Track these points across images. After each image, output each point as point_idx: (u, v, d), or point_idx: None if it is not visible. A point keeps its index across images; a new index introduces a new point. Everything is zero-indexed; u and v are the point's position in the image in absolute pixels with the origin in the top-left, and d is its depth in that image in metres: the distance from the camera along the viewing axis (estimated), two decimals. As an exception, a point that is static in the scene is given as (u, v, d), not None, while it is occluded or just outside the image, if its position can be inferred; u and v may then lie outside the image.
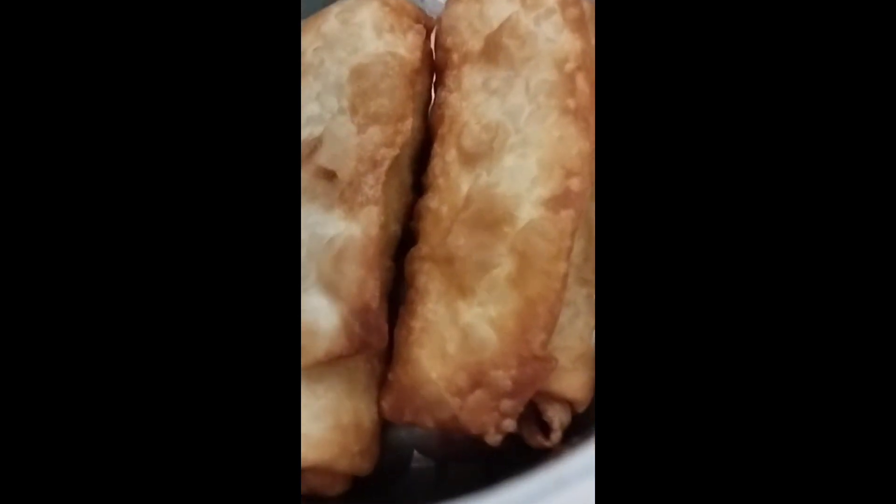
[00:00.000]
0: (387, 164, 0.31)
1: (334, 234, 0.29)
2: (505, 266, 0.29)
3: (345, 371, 0.29)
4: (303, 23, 0.38)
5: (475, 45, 0.34)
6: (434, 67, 0.36)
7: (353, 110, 0.32)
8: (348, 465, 0.29)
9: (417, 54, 0.34)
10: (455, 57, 0.35)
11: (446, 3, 0.38)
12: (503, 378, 0.28)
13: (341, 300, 0.28)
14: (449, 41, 0.36)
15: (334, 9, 0.35)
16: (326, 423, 0.28)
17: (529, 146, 0.30)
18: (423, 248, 0.32)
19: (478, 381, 0.28)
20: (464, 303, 0.29)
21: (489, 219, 0.29)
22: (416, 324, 0.30)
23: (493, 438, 0.28)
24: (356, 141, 0.31)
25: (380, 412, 0.30)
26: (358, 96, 0.32)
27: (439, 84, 0.36)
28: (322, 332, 0.28)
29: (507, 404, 0.28)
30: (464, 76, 0.34)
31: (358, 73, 0.32)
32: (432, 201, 0.32)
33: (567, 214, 0.28)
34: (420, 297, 0.31)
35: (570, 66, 0.31)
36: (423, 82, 0.35)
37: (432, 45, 0.37)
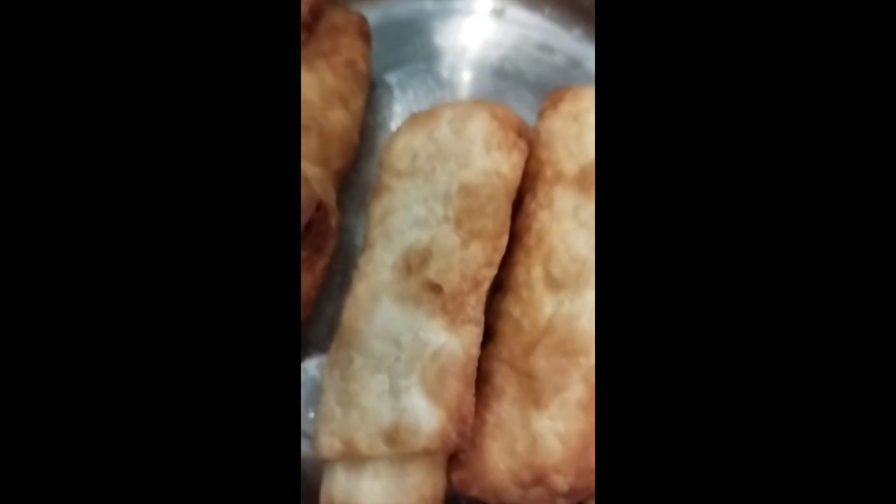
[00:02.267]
0: (486, 284, 0.35)
1: (437, 344, 0.34)
2: (576, 391, 0.34)
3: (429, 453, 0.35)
4: (414, 116, 0.40)
5: (569, 168, 0.38)
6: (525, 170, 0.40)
7: (458, 223, 0.36)
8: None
9: (518, 172, 0.38)
10: (549, 173, 0.39)
11: (543, 113, 0.41)
12: (562, 482, 0.34)
13: (441, 408, 0.33)
14: (544, 155, 0.39)
15: (447, 113, 0.39)
16: (413, 497, 0.34)
17: (610, 288, 0.35)
18: (502, 352, 0.37)
19: (540, 479, 0.34)
20: (536, 413, 0.35)
21: (569, 348, 0.35)
22: (491, 418, 0.36)
23: (545, 523, 0.35)
24: (460, 255, 0.35)
25: (449, 482, 0.37)
26: (464, 212, 0.36)
27: (528, 191, 0.40)
28: (422, 432, 0.33)
29: (561, 502, 0.34)
30: (555, 197, 0.38)
31: (466, 191, 0.36)
32: (514, 308, 0.37)
33: (636, 359, 0.34)
34: (496, 395, 0.36)
35: (653, 214, 0.36)
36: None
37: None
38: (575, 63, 0.48)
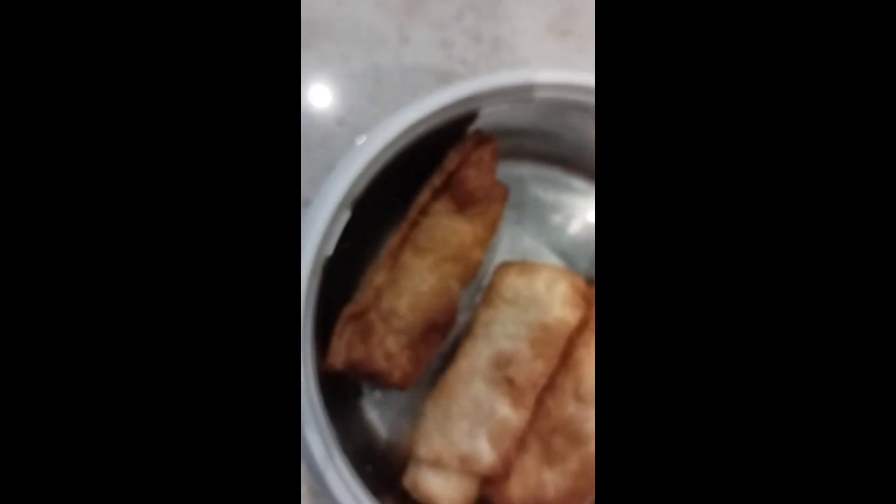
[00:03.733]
0: (540, 387, 0.58)
1: (503, 415, 0.57)
2: (573, 465, 0.58)
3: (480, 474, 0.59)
4: (523, 264, 0.63)
5: None
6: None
7: (533, 345, 0.59)
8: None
9: (577, 322, 0.60)
10: (593, 324, 0.62)
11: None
12: (550, 512, 0.58)
13: (496, 452, 0.57)
14: (593, 312, 0.62)
15: (544, 272, 0.61)
16: (460, 496, 0.58)
17: (611, 411, 0.58)
18: (535, 426, 0.60)
19: (537, 505, 0.58)
20: (546, 469, 0.58)
21: (577, 438, 0.58)
22: (518, 463, 0.59)
23: (532, 532, 0.59)
24: (529, 366, 0.58)
25: (482, 491, 0.60)
26: (538, 340, 0.59)
27: (578, 330, 0.62)
28: (482, 463, 0.57)
29: (545, 522, 0.58)
30: (592, 342, 0.61)
31: (544, 327, 0.59)
32: (550, 401, 0.60)
33: (613, 456, 0.57)
34: (525, 450, 0.60)
35: (649, 374, 0.59)
36: (571, 330, 0.62)
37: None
38: (631, 238, 0.70)
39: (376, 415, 0.66)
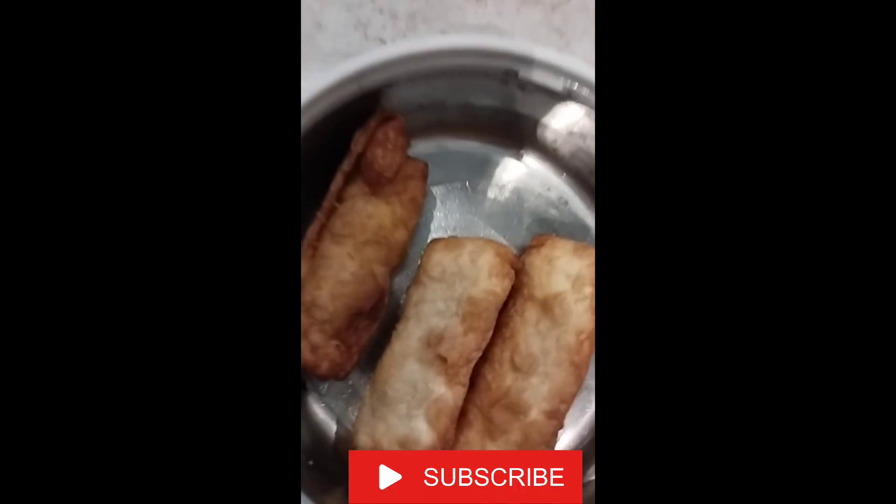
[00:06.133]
0: (474, 361, 0.57)
1: (438, 393, 0.57)
2: (515, 436, 0.57)
3: (422, 454, 0.58)
4: (448, 240, 0.61)
5: (538, 294, 0.60)
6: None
7: (463, 320, 0.58)
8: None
9: (506, 293, 0.59)
10: (525, 292, 0.60)
11: (529, 250, 0.62)
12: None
13: (435, 432, 0.56)
14: (524, 280, 0.61)
15: (468, 245, 0.60)
16: None
17: (548, 377, 0.57)
18: (476, 400, 0.59)
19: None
20: (489, 442, 0.58)
21: (515, 409, 0.57)
22: (462, 438, 0.59)
23: None
24: (461, 341, 0.57)
25: None
26: (468, 314, 0.58)
27: (511, 299, 0.61)
28: (421, 444, 0.56)
29: (494, 496, 0.58)
30: (526, 309, 0.60)
31: (472, 301, 0.58)
32: (488, 374, 0.60)
33: (553, 423, 0.57)
34: (467, 425, 0.59)
35: (583, 336, 0.58)
36: (503, 301, 0.61)
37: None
38: (563, 201, 0.69)
39: (320, 408, 0.66)
